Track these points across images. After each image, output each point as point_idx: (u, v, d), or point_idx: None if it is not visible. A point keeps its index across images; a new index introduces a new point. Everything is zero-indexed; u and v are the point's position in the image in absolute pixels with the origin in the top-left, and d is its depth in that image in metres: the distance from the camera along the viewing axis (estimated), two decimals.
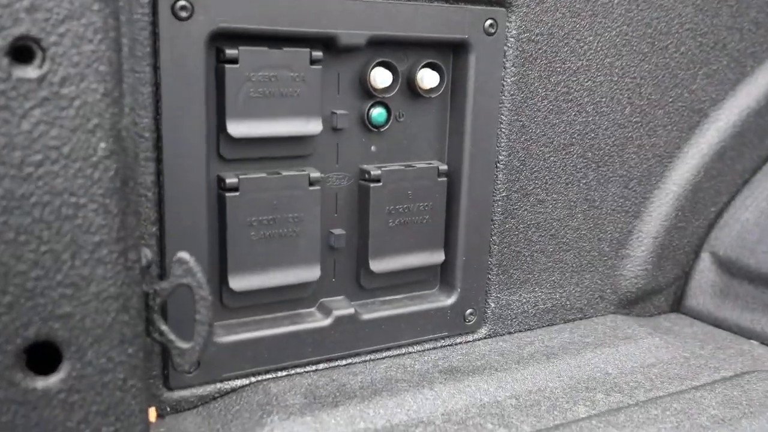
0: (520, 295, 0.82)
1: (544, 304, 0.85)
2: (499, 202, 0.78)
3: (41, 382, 0.48)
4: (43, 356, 0.49)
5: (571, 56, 0.78)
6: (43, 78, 0.44)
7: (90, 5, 0.45)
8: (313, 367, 0.71)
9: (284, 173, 0.65)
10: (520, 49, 0.74)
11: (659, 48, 0.84)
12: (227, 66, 0.61)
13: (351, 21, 0.65)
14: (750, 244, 0.91)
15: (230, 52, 0.61)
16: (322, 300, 0.72)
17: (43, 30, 0.44)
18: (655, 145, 0.88)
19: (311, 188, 0.67)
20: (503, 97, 0.75)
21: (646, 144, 0.87)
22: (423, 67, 0.71)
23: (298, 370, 0.70)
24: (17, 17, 0.42)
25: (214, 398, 0.66)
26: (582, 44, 0.78)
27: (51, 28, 0.44)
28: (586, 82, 0.80)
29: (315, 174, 0.67)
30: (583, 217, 0.85)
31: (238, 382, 0.67)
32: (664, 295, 0.96)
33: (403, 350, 0.76)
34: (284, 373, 0.69)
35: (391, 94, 0.70)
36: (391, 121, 0.71)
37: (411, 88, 0.71)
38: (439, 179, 0.74)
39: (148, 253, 0.54)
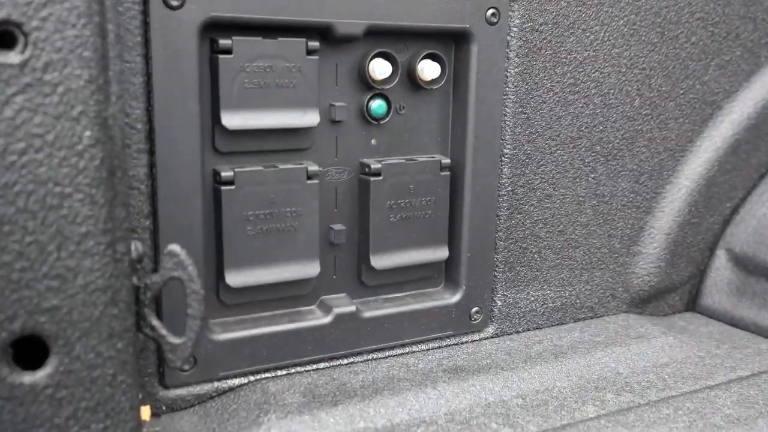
0: (528, 293, 0.80)
1: (553, 303, 0.82)
2: (505, 197, 0.76)
3: (28, 377, 0.47)
4: (30, 351, 0.48)
5: (577, 46, 0.76)
6: (25, 63, 0.43)
7: None
8: (314, 366, 0.69)
9: (281, 166, 0.64)
10: (524, 38, 0.72)
11: (669, 38, 0.82)
12: (221, 56, 0.59)
13: (348, 10, 0.63)
14: (767, 239, 0.88)
15: (224, 42, 0.59)
16: (322, 297, 0.71)
17: (24, 14, 0.43)
18: (667, 138, 0.85)
19: (309, 182, 0.65)
20: (507, 88, 0.73)
21: (657, 137, 0.85)
22: (423, 57, 0.69)
23: (298, 369, 0.68)
24: None
25: (211, 397, 0.64)
26: (588, 34, 0.76)
27: (33, 13, 0.43)
28: (594, 73, 0.78)
29: (313, 167, 0.65)
30: (593, 212, 0.82)
31: (236, 381, 0.65)
32: (678, 293, 0.93)
33: (407, 349, 0.74)
34: (283, 372, 0.68)
35: (391, 85, 0.68)
36: (391, 113, 0.70)
37: (411, 80, 0.70)
38: (442, 173, 0.72)
39: (139, 246, 0.53)
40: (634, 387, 0.70)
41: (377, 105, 0.68)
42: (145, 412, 0.59)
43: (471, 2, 0.69)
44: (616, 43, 0.79)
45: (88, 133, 0.46)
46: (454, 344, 0.77)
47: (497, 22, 0.71)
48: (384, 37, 0.67)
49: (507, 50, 0.72)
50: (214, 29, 0.59)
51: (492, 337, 0.79)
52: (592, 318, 0.86)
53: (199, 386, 0.64)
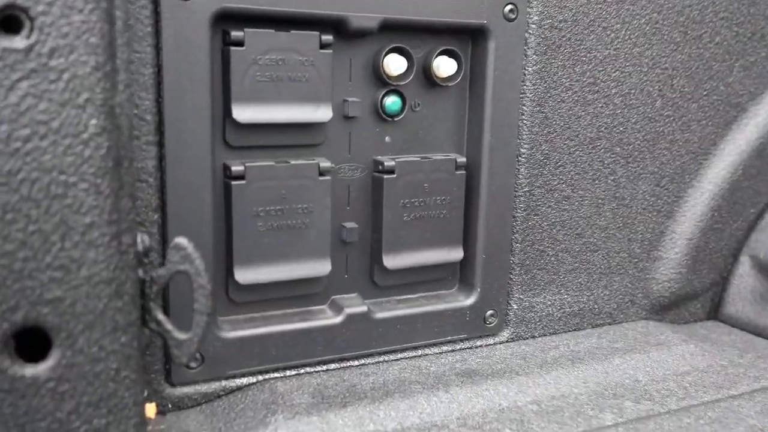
0: (545, 297, 0.78)
1: (570, 308, 0.80)
2: (522, 198, 0.74)
3: (30, 370, 0.46)
4: (32, 343, 0.47)
5: (598, 44, 0.74)
6: (30, 49, 0.43)
7: None
8: (324, 367, 0.68)
9: (293, 162, 0.63)
10: (543, 36, 0.71)
11: (692, 37, 0.80)
12: (233, 48, 0.59)
13: (362, 3, 0.62)
14: None
15: (236, 33, 0.59)
16: (333, 297, 0.69)
17: None
18: (689, 140, 0.83)
19: (321, 178, 0.64)
20: (525, 86, 0.71)
21: (679, 139, 0.82)
22: (439, 54, 0.68)
23: (308, 369, 0.67)
24: None
25: (219, 396, 0.63)
26: (609, 32, 0.75)
27: None
28: (614, 72, 0.76)
29: (325, 163, 0.64)
30: (612, 215, 0.80)
31: (244, 380, 0.64)
32: (700, 301, 0.90)
33: (419, 352, 0.72)
34: (293, 372, 0.66)
35: (406, 81, 0.67)
36: (406, 110, 0.68)
37: (427, 77, 0.68)
38: (457, 172, 0.71)
39: (145, 239, 0.52)
40: (654, 395, 0.68)
41: (392, 101, 0.67)
42: (151, 409, 0.58)
43: None
44: (638, 41, 0.77)
45: (94, 121, 0.45)
46: (467, 348, 0.75)
47: (515, 18, 0.69)
48: (399, 32, 0.66)
49: (525, 47, 0.71)
50: (225, 20, 0.59)
51: (507, 342, 0.77)
52: (610, 324, 0.84)
53: (206, 384, 0.63)
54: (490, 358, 0.73)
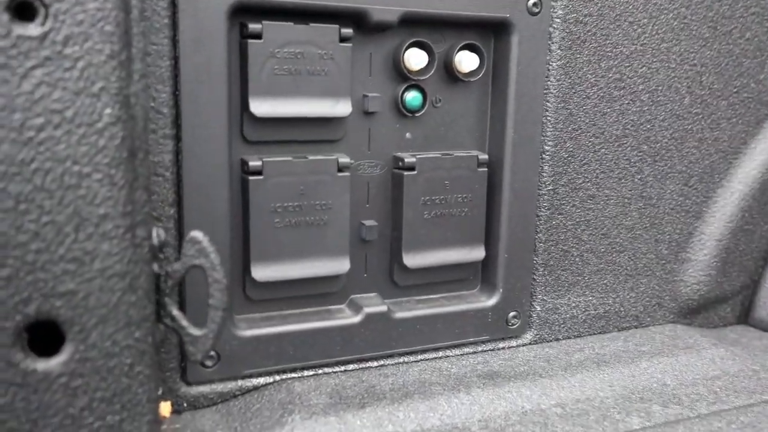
0: (569, 298, 0.76)
1: (595, 310, 0.78)
2: (545, 196, 0.72)
3: (42, 364, 0.45)
4: (45, 337, 0.46)
5: (624, 40, 0.72)
6: (45, 36, 0.42)
7: None
8: (342, 368, 0.66)
9: (311, 157, 0.62)
10: (567, 30, 0.69)
11: (722, 33, 0.78)
12: (250, 41, 0.58)
13: None
14: None
15: (253, 26, 0.58)
16: (352, 296, 0.68)
17: None
18: (718, 139, 0.81)
19: (340, 174, 0.63)
20: (549, 82, 0.70)
21: (708, 138, 0.80)
22: (461, 48, 0.66)
23: (326, 369, 0.66)
24: None
25: (235, 396, 0.62)
26: (636, 27, 0.73)
27: None
28: (641, 68, 0.74)
29: (344, 159, 0.63)
30: (639, 215, 0.78)
31: (261, 380, 0.63)
32: (729, 304, 0.88)
33: (440, 353, 0.71)
34: (310, 372, 0.65)
35: (427, 76, 0.65)
36: (427, 106, 0.67)
37: (448, 72, 0.67)
38: (479, 169, 0.69)
39: (161, 233, 0.51)
40: (683, 399, 0.66)
41: (412, 97, 0.66)
42: (165, 408, 0.57)
43: None
44: (665, 37, 0.75)
45: (108, 110, 0.44)
46: (489, 350, 0.73)
47: (539, 12, 0.68)
48: (420, 26, 0.65)
49: (549, 42, 0.69)
50: (243, 13, 0.58)
51: (530, 344, 0.75)
52: (636, 327, 0.81)
53: (222, 384, 0.62)
54: (513, 360, 0.71)
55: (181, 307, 0.59)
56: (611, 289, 0.79)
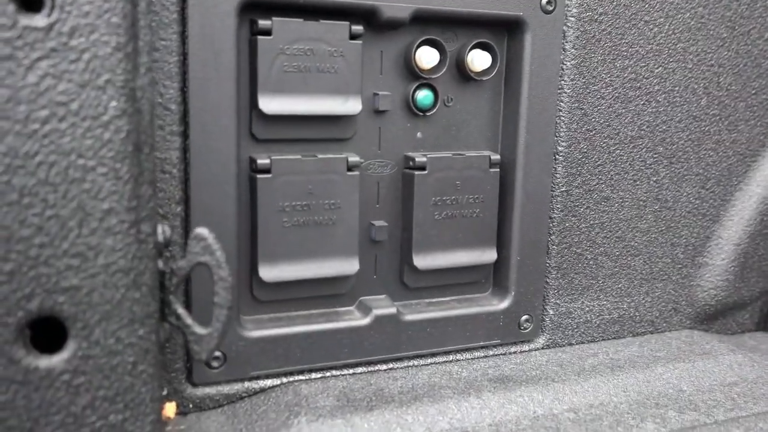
0: (582, 302, 0.75)
1: (609, 315, 0.77)
2: (559, 198, 0.71)
3: (44, 361, 0.44)
4: (47, 334, 0.45)
5: (640, 39, 0.71)
6: (51, 27, 0.42)
7: None
8: (350, 370, 0.65)
9: (321, 156, 0.61)
10: (582, 29, 0.68)
11: (740, 33, 0.77)
12: (260, 37, 0.57)
13: None
14: None
15: (263, 22, 0.57)
16: (361, 298, 0.67)
17: None
18: (736, 141, 0.79)
19: (350, 173, 0.62)
20: (562, 81, 0.69)
21: (726, 140, 0.79)
22: (473, 47, 0.65)
23: (333, 372, 0.65)
24: None
25: (241, 397, 0.61)
26: (652, 26, 0.71)
27: None
28: (657, 68, 0.73)
29: (354, 158, 0.62)
30: (654, 218, 0.77)
31: (268, 382, 0.62)
32: (748, 310, 0.86)
33: (450, 357, 0.70)
34: (318, 374, 0.64)
35: (438, 75, 0.64)
36: (438, 105, 0.66)
37: (460, 70, 0.66)
38: (491, 170, 0.68)
39: (166, 229, 0.50)
40: (699, 405, 0.64)
41: (423, 95, 0.65)
42: (171, 409, 0.56)
43: None
44: (682, 37, 0.73)
45: (114, 103, 0.44)
46: (501, 354, 0.72)
47: (553, 10, 0.67)
48: (432, 24, 0.64)
49: (563, 41, 0.68)
50: (253, 9, 0.57)
51: (542, 348, 0.74)
52: (652, 333, 0.80)
53: (229, 385, 0.61)
54: (525, 364, 0.70)
55: (187, 306, 0.58)
56: (626, 294, 0.77)
